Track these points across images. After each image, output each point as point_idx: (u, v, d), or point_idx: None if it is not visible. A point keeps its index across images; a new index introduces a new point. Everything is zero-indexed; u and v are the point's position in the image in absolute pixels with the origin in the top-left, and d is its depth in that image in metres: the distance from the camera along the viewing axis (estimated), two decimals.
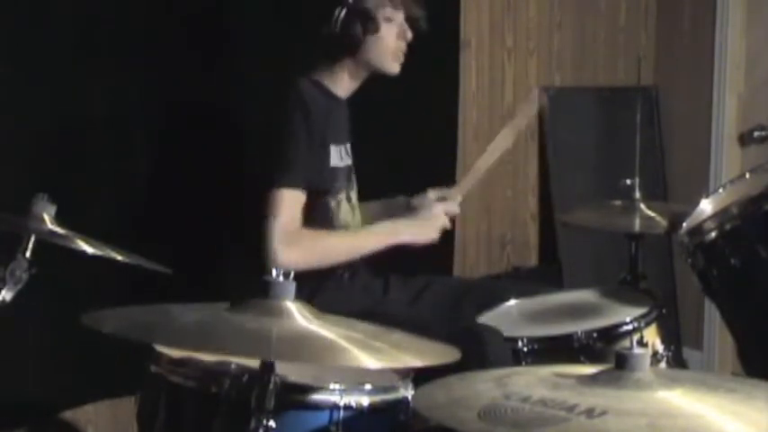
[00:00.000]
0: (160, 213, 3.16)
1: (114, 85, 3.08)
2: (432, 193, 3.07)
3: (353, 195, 2.96)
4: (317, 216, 2.81)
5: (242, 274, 2.70)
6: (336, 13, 2.80)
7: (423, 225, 2.90)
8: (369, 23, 2.81)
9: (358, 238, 2.88)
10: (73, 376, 3.04)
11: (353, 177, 2.98)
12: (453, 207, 2.97)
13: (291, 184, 2.74)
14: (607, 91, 4.54)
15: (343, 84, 2.91)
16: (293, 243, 2.71)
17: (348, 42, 2.82)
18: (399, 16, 2.88)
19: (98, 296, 2.91)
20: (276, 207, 2.71)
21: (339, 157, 2.89)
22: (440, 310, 2.88)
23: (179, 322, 1.94)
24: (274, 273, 1.95)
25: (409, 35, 2.89)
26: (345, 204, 2.91)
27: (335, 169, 2.87)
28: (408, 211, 2.98)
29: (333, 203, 2.87)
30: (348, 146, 2.95)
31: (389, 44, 2.87)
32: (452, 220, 2.99)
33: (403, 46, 2.89)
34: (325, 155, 2.83)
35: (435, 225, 2.91)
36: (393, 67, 2.90)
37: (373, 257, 2.92)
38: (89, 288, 2.93)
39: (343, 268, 2.88)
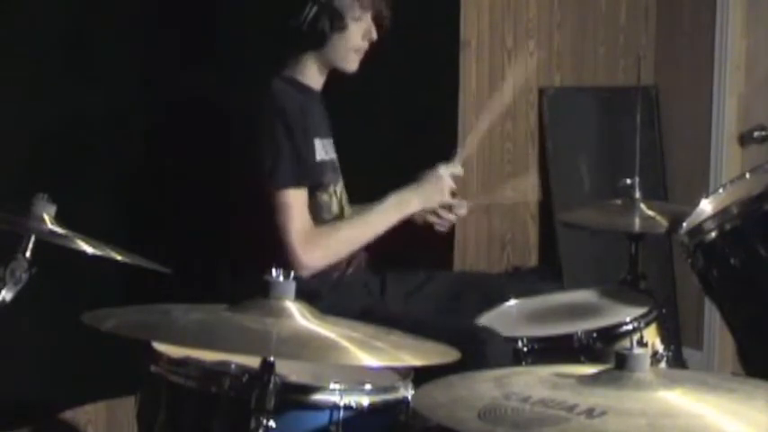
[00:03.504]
0: (160, 213, 3.16)
1: (113, 84, 3.08)
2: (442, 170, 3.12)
3: (339, 189, 2.96)
4: (311, 211, 2.82)
5: (242, 273, 2.70)
6: (307, 9, 2.83)
7: (428, 189, 2.93)
8: (337, 22, 2.84)
9: (369, 221, 2.87)
10: (73, 376, 3.04)
11: (339, 171, 2.99)
12: (457, 169, 2.99)
13: (291, 184, 2.75)
14: (607, 91, 4.53)
15: (313, 76, 2.93)
16: (311, 243, 2.74)
17: (314, 38, 2.85)
18: (367, 17, 2.90)
19: (98, 296, 2.91)
20: (286, 210, 2.73)
21: (324, 151, 2.90)
22: (439, 305, 2.88)
23: (179, 322, 1.94)
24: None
25: (374, 35, 2.91)
26: (335, 198, 2.92)
27: (322, 163, 2.89)
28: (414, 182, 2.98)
29: (325, 197, 2.88)
30: (331, 141, 2.96)
31: (354, 43, 2.89)
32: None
33: (366, 45, 2.92)
34: (311, 149, 2.84)
35: (440, 187, 2.94)
36: (353, 65, 2.93)
37: (372, 255, 2.92)
38: (89, 288, 2.93)
39: (346, 262, 2.88)
